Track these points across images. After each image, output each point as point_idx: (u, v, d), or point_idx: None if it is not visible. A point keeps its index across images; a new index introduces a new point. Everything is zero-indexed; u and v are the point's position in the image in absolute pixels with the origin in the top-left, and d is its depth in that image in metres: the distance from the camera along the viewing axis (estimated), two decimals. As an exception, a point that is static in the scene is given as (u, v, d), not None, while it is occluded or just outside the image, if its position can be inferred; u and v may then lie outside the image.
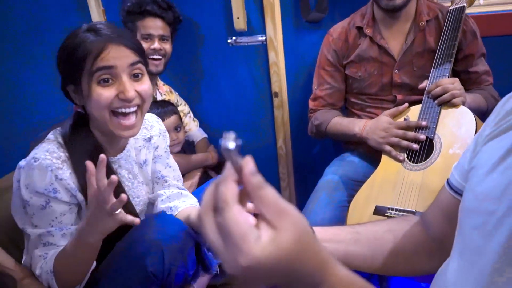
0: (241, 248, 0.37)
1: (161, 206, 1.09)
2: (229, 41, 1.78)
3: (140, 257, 0.89)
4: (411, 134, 1.25)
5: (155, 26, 1.56)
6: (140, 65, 0.92)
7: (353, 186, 1.35)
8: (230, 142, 0.37)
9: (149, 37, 1.57)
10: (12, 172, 1.11)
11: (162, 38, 1.59)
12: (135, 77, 0.92)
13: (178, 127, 1.63)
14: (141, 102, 0.93)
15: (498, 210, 0.51)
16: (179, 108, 1.73)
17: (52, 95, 1.85)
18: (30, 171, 0.87)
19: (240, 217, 0.37)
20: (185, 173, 1.63)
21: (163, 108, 1.58)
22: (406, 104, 1.32)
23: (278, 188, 2.01)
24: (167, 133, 1.19)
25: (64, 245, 0.90)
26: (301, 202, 1.40)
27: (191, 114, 1.84)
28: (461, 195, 0.63)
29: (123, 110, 0.91)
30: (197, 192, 1.31)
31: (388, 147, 1.27)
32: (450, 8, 1.35)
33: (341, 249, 0.70)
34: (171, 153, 1.56)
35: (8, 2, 1.84)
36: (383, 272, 0.76)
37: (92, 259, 0.92)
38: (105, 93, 0.88)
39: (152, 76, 1.63)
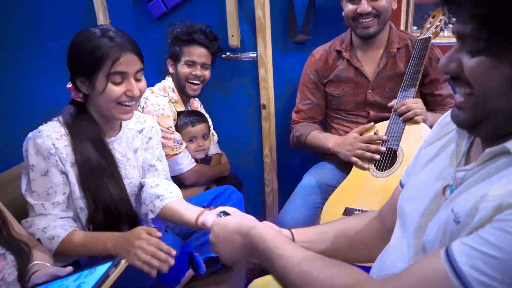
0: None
1: (149, 191, 1.25)
2: (223, 56, 1.96)
3: (135, 275, 1.02)
4: (373, 147, 1.43)
5: (199, 54, 1.69)
6: (142, 71, 1.16)
7: (327, 190, 1.52)
8: None
9: (192, 64, 1.70)
10: (12, 167, 1.29)
11: (203, 66, 1.72)
12: (137, 78, 1.15)
13: (206, 135, 1.77)
14: (138, 96, 1.16)
15: (420, 197, 0.69)
16: None
17: (49, 95, 2.02)
18: (35, 139, 1.08)
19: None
20: (206, 183, 1.76)
21: (195, 116, 1.74)
22: (372, 123, 1.51)
23: (262, 192, 2.17)
24: (159, 131, 1.37)
25: (73, 232, 1.09)
26: (283, 205, 1.56)
27: (211, 128, 1.94)
28: None
29: (128, 104, 1.13)
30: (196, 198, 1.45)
31: (354, 158, 1.45)
32: (418, 38, 1.54)
33: (310, 247, 0.85)
34: (196, 158, 1.71)
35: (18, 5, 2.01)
36: (346, 261, 0.92)
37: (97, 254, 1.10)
38: (116, 90, 1.10)
39: (188, 97, 1.78)
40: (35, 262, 0.93)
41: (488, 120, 0.57)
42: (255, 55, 1.92)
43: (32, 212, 1.10)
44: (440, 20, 1.56)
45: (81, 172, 1.11)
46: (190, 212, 1.15)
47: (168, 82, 1.75)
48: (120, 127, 1.25)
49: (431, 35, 1.52)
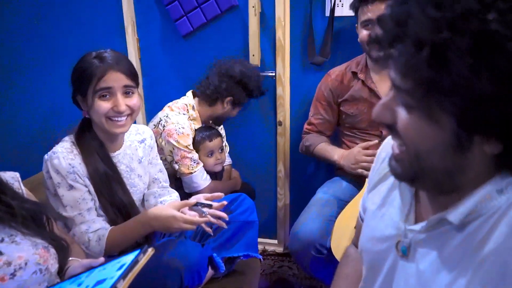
0: None
1: (153, 201, 1.40)
2: (243, 73, 2.05)
3: (162, 279, 1.10)
4: None
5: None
6: (131, 88, 1.21)
7: (340, 204, 1.59)
8: None
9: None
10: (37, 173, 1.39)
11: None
12: (127, 94, 1.20)
13: (221, 148, 1.87)
14: (130, 112, 1.21)
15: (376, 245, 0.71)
16: None
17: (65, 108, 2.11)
18: (53, 161, 1.16)
19: None
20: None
21: (210, 131, 1.82)
22: (376, 141, 1.60)
23: (275, 206, 2.23)
24: (154, 140, 1.47)
25: (110, 227, 1.21)
26: (294, 221, 1.62)
27: (224, 139, 2.02)
28: None
29: (116, 119, 1.20)
30: None
31: (360, 170, 1.54)
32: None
33: None
34: (214, 171, 1.82)
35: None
36: None
37: (136, 239, 1.22)
38: (103, 105, 1.17)
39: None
40: (70, 258, 1.01)
41: (426, 176, 0.54)
42: (273, 74, 2.02)
43: (73, 224, 1.20)
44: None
45: (94, 182, 1.21)
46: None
47: (189, 99, 1.81)
48: (123, 141, 1.34)
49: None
